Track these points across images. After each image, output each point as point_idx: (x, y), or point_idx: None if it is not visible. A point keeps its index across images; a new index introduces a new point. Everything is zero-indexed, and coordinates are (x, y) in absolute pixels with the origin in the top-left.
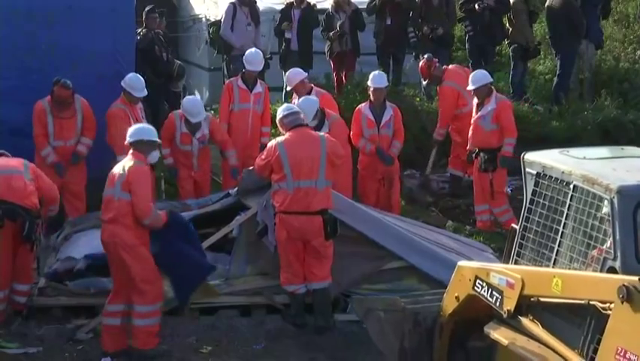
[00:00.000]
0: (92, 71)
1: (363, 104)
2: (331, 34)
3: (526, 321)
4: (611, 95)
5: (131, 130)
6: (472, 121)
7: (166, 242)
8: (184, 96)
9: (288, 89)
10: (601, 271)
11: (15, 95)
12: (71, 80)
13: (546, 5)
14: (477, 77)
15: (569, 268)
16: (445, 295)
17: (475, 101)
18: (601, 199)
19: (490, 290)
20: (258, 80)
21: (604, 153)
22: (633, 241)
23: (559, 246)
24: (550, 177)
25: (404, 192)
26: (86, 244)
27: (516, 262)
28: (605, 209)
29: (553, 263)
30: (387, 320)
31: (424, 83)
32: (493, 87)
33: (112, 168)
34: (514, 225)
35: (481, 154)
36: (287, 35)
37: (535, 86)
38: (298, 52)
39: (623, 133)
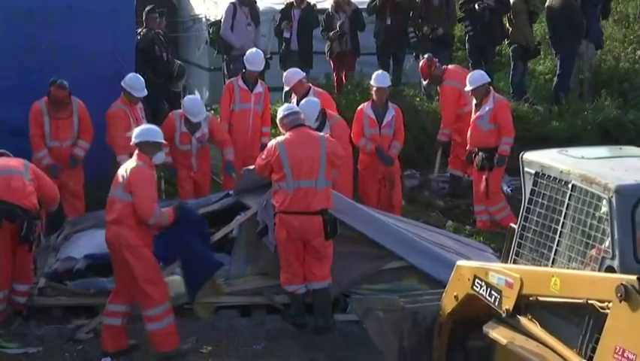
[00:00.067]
0: (92, 71)
1: (365, 104)
2: (331, 34)
3: (524, 320)
4: (611, 95)
5: (136, 131)
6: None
7: (175, 237)
8: (184, 96)
9: (287, 89)
10: (599, 270)
11: (15, 95)
12: (71, 80)
13: (546, 5)
14: (474, 78)
15: (568, 268)
16: (444, 294)
17: (474, 101)
18: (599, 199)
19: (488, 290)
20: (259, 80)
21: (602, 153)
22: (631, 241)
23: (557, 245)
24: (549, 176)
25: (404, 192)
26: (86, 244)
27: (515, 262)
28: (604, 208)
29: (552, 263)
30: (386, 319)
31: (425, 83)
32: (491, 87)
33: (114, 168)
34: (512, 224)
35: (480, 153)
36: (285, 35)
37: (535, 86)
38: (298, 52)
39: (623, 133)
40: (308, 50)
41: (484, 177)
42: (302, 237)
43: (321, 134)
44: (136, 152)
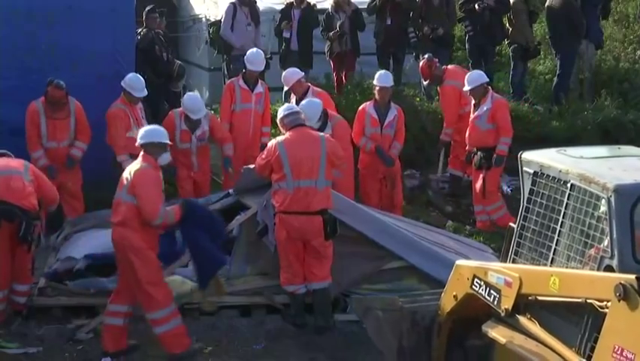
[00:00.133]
0: (92, 71)
1: (367, 103)
2: (331, 34)
3: (523, 320)
4: (611, 95)
5: (141, 132)
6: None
7: (184, 233)
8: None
9: (285, 89)
10: (598, 269)
11: (15, 95)
12: (71, 80)
13: (546, 5)
14: (473, 78)
15: (567, 267)
16: (443, 294)
17: (473, 101)
18: (598, 198)
19: (488, 289)
20: (259, 80)
21: (601, 152)
22: (630, 240)
23: (556, 245)
24: (548, 176)
25: (404, 192)
26: (86, 244)
27: (514, 261)
28: (603, 208)
29: (551, 262)
30: (385, 319)
31: (425, 83)
32: (489, 87)
33: (115, 168)
34: (512, 224)
35: (478, 153)
36: (285, 35)
37: (535, 86)
38: (298, 52)
39: (623, 133)
40: (308, 50)
41: (481, 175)
42: (302, 237)
43: (322, 134)
44: (141, 153)
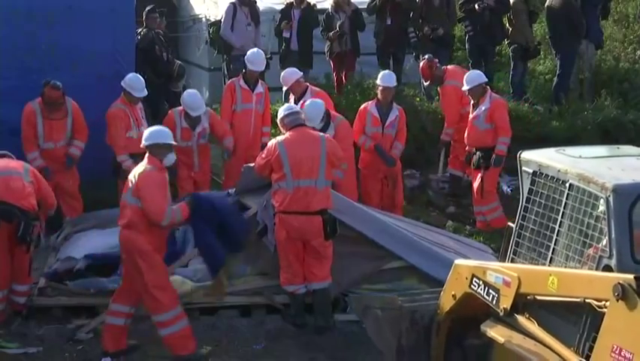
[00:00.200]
0: (92, 71)
1: (370, 102)
2: (331, 34)
3: (522, 319)
4: (611, 95)
5: (145, 134)
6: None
7: (193, 227)
8: None
9: (284, 89)
10: (597, 269)
11: (15, 95)
12: (71, 80)
13: (546, 5)
14: (471, 77)
15: (565, 267)
16: (442, 293)
17: (472, 101)
18: (597, 198)
19: (486, 288)
20: (259, 80)
21: (600, 152)
22: (628, 240)
23: (555, 244)
24: (547, 175)
25: (404, 192)
26: (86, 244)
27: (512, 261)
28: (601, 207)
29: (550, 261)
30: (384, 318)
31: (426, 83)
32: (488, 87)
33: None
34: (510, 223)
35: (477, 153)
36: (285, 35)
37: (535, 86)
38: (298, 52)
39: (623, 133)
40: (308, 50)
41: (479, 175)
42: (301, 237)
43: (321, 134)
44: (146, 155)
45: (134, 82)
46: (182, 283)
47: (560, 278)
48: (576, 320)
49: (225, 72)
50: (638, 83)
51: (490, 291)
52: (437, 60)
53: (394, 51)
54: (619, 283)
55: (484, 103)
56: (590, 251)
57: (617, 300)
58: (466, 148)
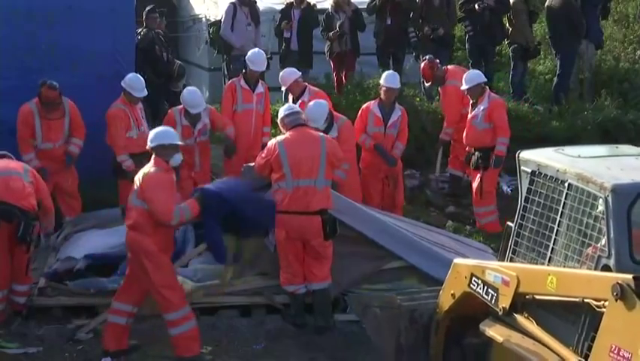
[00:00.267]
0: (92, 71)
1: (372, 102)
2: (331, 34)
3: (521, 318)
4: (611, 95)
5: (151, 135)
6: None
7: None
8: None
9: (283, 89)
10: (595, 269)
11: (15, 95)
12: (71, 80)
13: (546, 5)
14: (470, 77)
15: (564, 266)
16: (441, 292)
17: (471, 100)
18: (595, 198)
19: (485, 288)
20: (259, 81)
21: (598, 152)
22: (627, 240)
23: (554, 244)
24: (545, 175)
25: (404, 192)
26: (86, 244)
27: (511, 260)
28: (600, 207)
29: (549, 261)
30: (383, 316)
31: (427, 84)
32: (487, 87)
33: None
34: (509, 223)
35: (476, 153)
36: (285, 35)
37: (535, 86)
38: (298, 52)
39: (623, 133)
40: (308, 50)
41: (478, 175)
42: (301, 237)
43: (322, 134)
44: (152, 156)
45: (134, 82)
46: (182, 283)
47: (559, 278)
48: (575, 320)
49: (225, 72)
50: (638, 83)
51: (489, 290)
52: (438, 60)
53: (394, 51)
54: (618, 282)
55: (483, 103)
56: (589, 251)
57: (616, 300)
58: (466, 148)
